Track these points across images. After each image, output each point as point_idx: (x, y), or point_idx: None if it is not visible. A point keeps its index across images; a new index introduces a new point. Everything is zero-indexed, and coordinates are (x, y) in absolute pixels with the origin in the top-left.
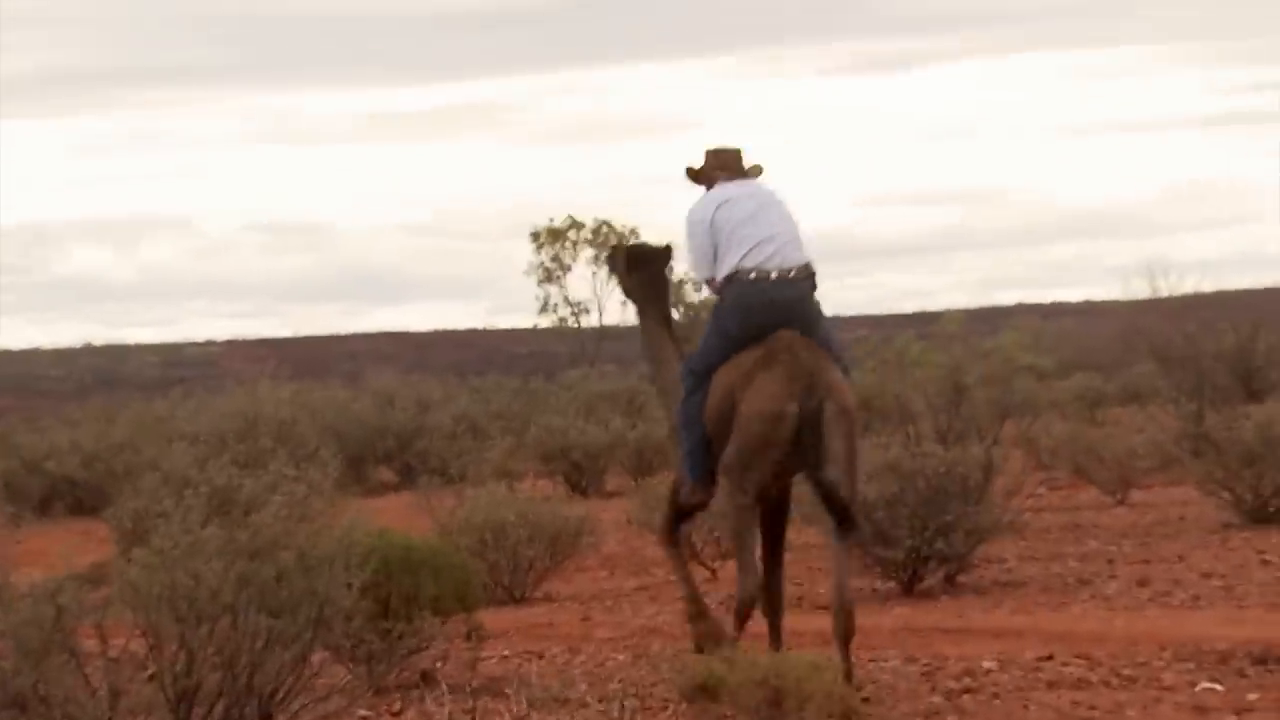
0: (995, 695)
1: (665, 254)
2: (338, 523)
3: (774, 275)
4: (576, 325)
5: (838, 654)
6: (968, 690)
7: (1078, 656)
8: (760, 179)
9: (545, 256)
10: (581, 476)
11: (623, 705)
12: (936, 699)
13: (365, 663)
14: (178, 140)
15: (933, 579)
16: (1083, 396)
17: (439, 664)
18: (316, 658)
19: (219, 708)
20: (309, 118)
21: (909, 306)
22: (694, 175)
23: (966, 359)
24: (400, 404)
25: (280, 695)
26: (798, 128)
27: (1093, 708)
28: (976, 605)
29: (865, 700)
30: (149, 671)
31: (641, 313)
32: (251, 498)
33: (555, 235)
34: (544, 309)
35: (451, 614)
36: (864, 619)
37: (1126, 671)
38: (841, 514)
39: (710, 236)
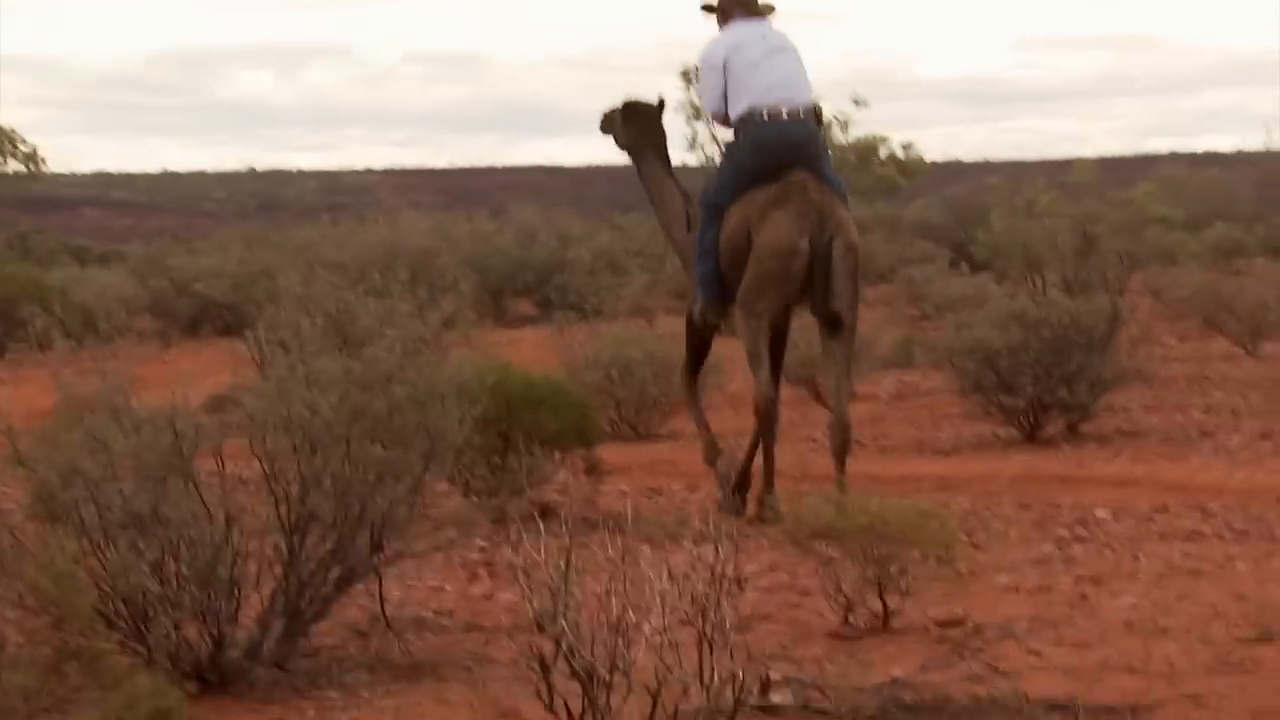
0: (1106, 545)
1: (659, 107)
2: (467, 355)
3: (785, 114)
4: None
5: (835, 468)
6: (1079, 539)
7: (1192, 508)
8: (771, 18)
9: (693, 94)
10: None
11: (726, 541)
12: (1047, 547)
13: (485, 495)
14: None
15: (1054, 427)
16: (1219, 247)
17: (558, 497)
18: (440, 488)
19: (332, 535)
20: None
21: (1059, 152)
22: (709, 9)
23: (1098, 209)
24: (542, 238)
25: (391, 526)
26: None
27: (1202, 559)
28: (1097, 454)
29: (975, 546)
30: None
31: (641, 160)
32: (368, 330)
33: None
34: (691, 146)
35: (572, 449)
36: (983, 465)
37: (1240, 525)
38: (841, 327)
39: (723, 76)
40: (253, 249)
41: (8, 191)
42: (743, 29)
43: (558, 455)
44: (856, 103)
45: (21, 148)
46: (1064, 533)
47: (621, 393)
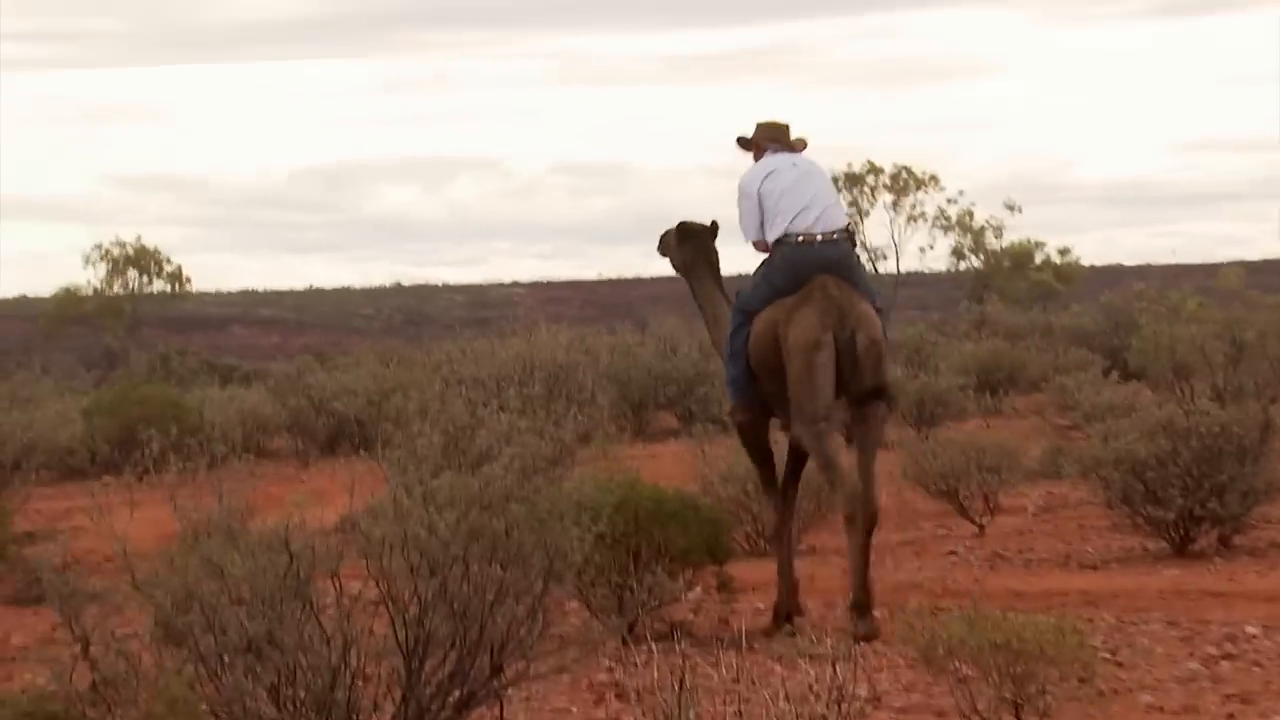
0: (1256, 662)
1: (712, 229)
2: (591, 471)
3: (819, 237)
4: (874, 271)
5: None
6: (1227, 656)
7: None
8: (804, 151)
9: (843, 202)
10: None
11: (861, 660)
12: (1193, 664)
13: (612, 614)
14: (483, 80)
15: (1205, 540)
16: None
17: (691, 616)
18: (568, 606)
19: (451, 657)
20: (610, 59)
21: (1217, 256)
22: (744, 144)
23: (1246, 314)
24: (684, 349)
25: (511, 646)
26: (1101, 72)
27: None
28: (1250, 568)
29: (1118, 664)
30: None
31: (695, 279)
32: (488, 447)
33: (853, 180)
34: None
35: (703, 566)
36: (1130, 579)
37: None
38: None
39: (758, 204)
40: (390, 365)
41: (154, 311)
42: (774, 159)
43: (688, 572)
44: (1010, 208)
45: (167, 267)
46: (1212, 650)
47: (757, 507)
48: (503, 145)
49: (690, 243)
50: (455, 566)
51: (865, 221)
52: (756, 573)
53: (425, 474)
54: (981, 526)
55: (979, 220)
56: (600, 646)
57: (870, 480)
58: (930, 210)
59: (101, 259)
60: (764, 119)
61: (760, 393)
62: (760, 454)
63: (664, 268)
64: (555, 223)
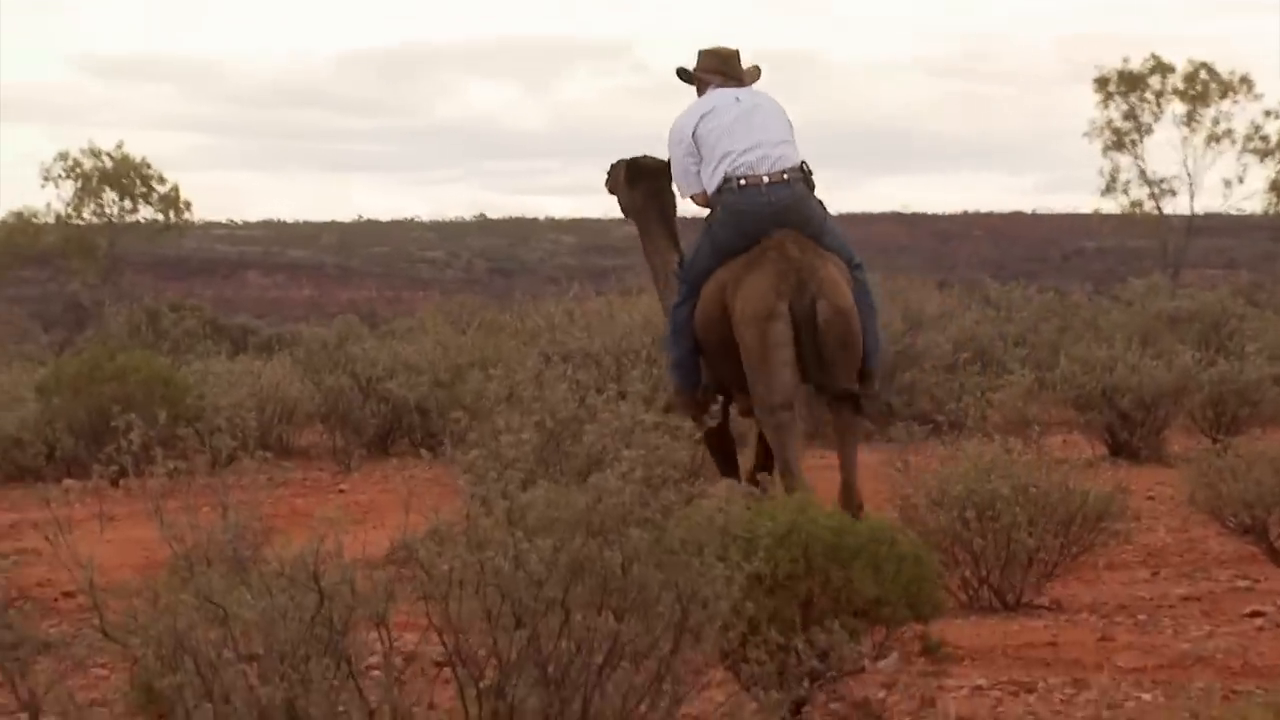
0: None
1: (669, 167)
2: (746, 487)
3: (766, 179)
4: (1157, 211)
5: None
6: None
7: None
8: (756, 83)
9: (1115, 113)
10: (1130, 432)
11: None
12: None
13: (772, 687)
14: None
15: None
16: None
17: (882, 693)
18: (712, 676)
19: None
20: None
21: None
22: (685, 76)
23: None
24: (883, 318)
25: None
26: None
27: None
28: None
29: None
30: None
31: (644, 229)
32: (597, 449)
33: (1131, 82)
34: (1110, 188)
35: (902, 623)
36: None
37: None
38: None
39: (692, 151)
40: (467, 331)
41: (140, 249)
42: (714, 94)
43: (879, 632)
44: None
45: (158, 187)
46: None
47: (980, 543)
48: (634, 24)
49: (642, 184)
50: (551, 615)
51: (1145, 142)
52: (976, 635)
53: (512, 485)
54: None
55: None
56: None
57: (851, 470)
58: (1240, 127)
59: (68, 174)
60: (707, 45)
61: (714, 375)
62: (717, 452)
63: (859, 201)
64: None
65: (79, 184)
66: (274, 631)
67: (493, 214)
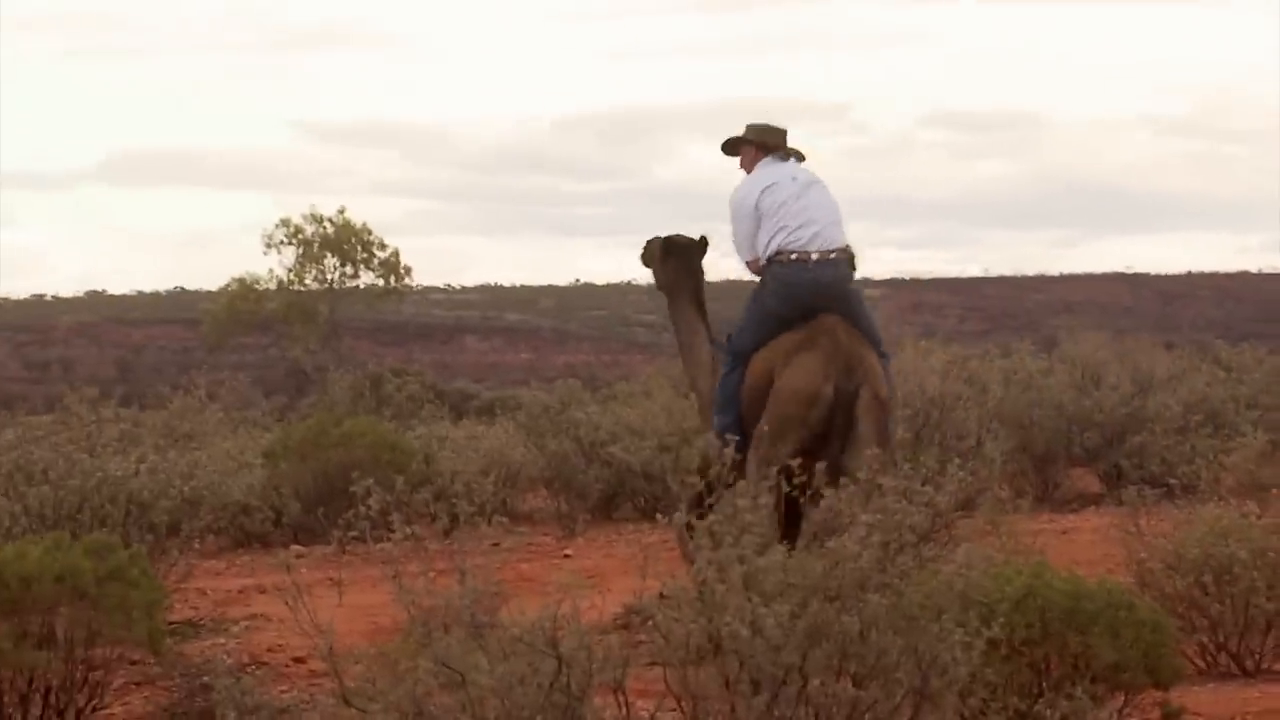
0: None
1: (700, 245)
2: (984, 550)
3: (815, 256)
4: None
5: None
6: None
7: None
8: (803, 163)
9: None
10: None
11: None
12: None
13: None
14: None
15: None
16: None
17: None
18: None
19: None
20: None
21: None
22: (731, 149)
23: None
24: (1112, 380)
25: None
26: None
27: None
28: None
29: None
30: None
31: (674, 300)
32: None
33: None
34: None
35: (1140, 690)
36: None
37: None
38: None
39: (754, 220)
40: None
41: (360, 315)
42: (773, 169)
43: (1118, 698)
44: None
45: (378, 253)
46: None
47: (1218, 609)
48: (853, 86)
49: (674, 259)
50: (789, 681)
51: None
52: (1214, 701)
53: (748, 549)
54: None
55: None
56: None
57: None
58: None
59: (290, 240)
60: (756, 121)
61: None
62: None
63: (1084, 262)
64: (927, 197)
65: (300, 250)
66: (512, 697)
67: (712, 276)
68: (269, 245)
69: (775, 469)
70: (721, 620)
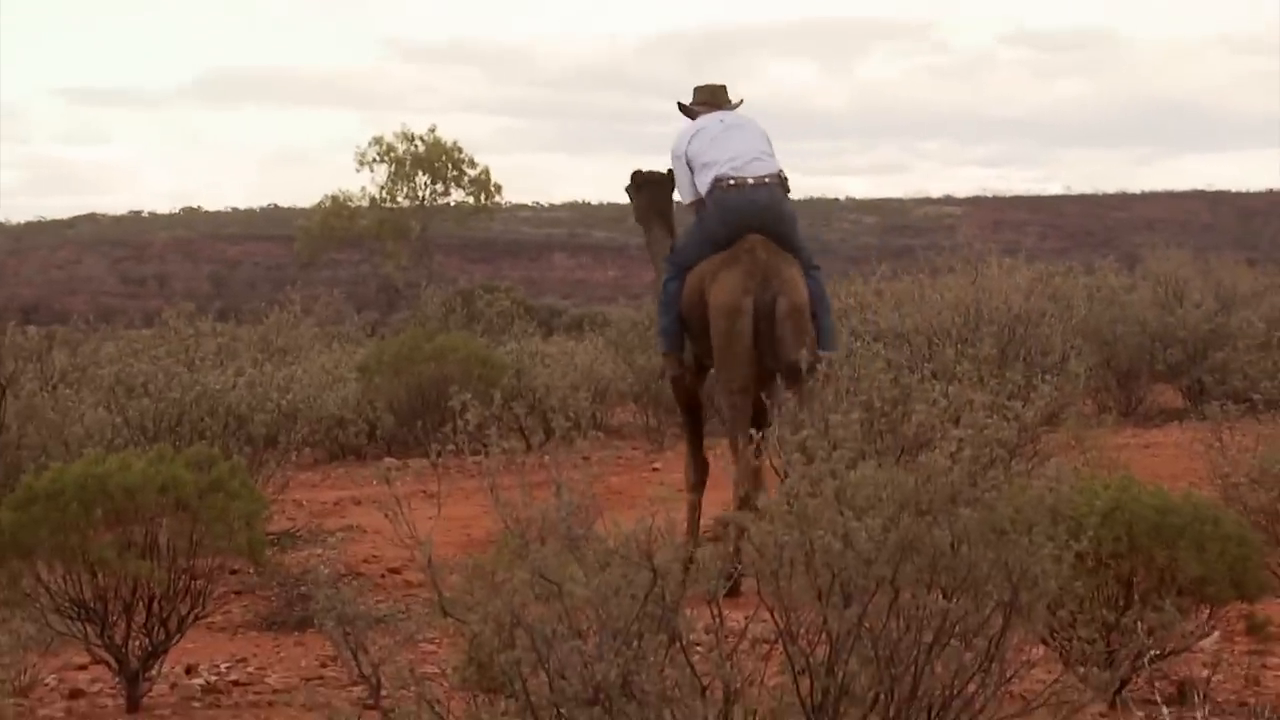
0: None
1: (668, 177)
2: (1072, 466)
3: (749, 180)
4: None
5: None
6: None
7: None
8: (738, 110)
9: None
10: None
11: None
12: None
13: (1097, 665)
14: None
15: None
16: None
17: (1207, 672)
18: (1031, 654)
19: (873, 718)
20: None
21: None
22: (683, 109)
23: None
24: (1195, 297)
25: (957, 706)
26: None
27: None
28: None
29: None
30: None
31: (648, 230)
32: (925, 428)
33: None
34: None
35: (1226, 603)
36: None
37: None
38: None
39: (687, 164)
40: None
41: (451, 232)
42: (703, 119)
43: (1204, 611)
44: None
45: (469, 171)
46: None
47: None
48: (935, 4)
49: (644, 192)
50: (880, 593)
51: None
52: None
53: (839, 463)
54: None
55: None
56: (1080, 710)
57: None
58: None
59: (381, 158)
60: (700, 83)
61: (695, 349)
62: (687, 411)
63: (1165, 180)
64: (1008, 114)
65: (392, 168)
66: (607, 608)
67: (794, 195)
68: (361, 163)
69: (739, 395)
70: (814, 533)
